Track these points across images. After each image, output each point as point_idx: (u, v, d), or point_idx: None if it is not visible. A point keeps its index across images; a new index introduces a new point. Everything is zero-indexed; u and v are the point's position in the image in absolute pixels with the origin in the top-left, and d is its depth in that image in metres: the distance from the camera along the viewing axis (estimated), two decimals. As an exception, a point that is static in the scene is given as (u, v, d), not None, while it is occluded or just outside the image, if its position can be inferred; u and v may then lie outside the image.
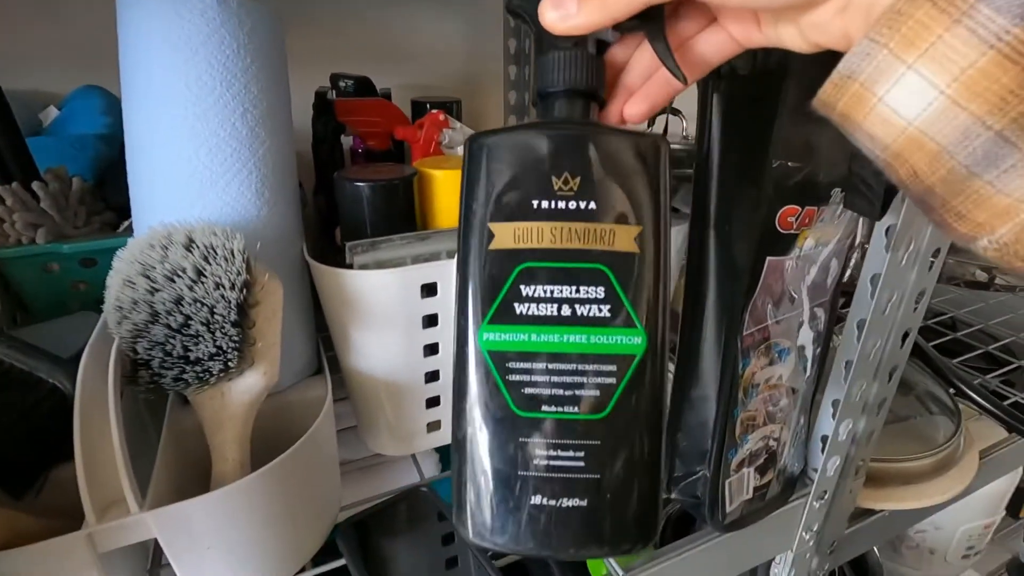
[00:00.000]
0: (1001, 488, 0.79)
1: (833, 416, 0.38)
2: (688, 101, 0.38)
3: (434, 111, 0.50)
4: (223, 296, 0.29)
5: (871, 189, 0.29)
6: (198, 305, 0.29)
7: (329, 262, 0.37)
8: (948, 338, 0.77)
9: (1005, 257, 0.14)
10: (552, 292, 0.21)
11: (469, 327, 0.22)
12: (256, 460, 0.34)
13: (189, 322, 0.29)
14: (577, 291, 0.21)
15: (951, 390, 0.62)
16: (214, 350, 0.29)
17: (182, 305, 0.29)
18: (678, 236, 0.42)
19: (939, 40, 0.13)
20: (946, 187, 0.14)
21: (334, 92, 0.60)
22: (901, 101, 0.14)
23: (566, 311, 0.21)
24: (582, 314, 0.21)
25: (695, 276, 0.34)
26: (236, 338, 0.29)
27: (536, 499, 0.21)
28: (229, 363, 0.29)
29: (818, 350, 0.39)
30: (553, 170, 0.21)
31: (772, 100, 0.28)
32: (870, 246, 0.34)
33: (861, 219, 0.36)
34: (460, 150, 0.54)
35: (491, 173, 0.22)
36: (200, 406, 0.32)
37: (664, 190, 0.22)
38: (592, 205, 0.21)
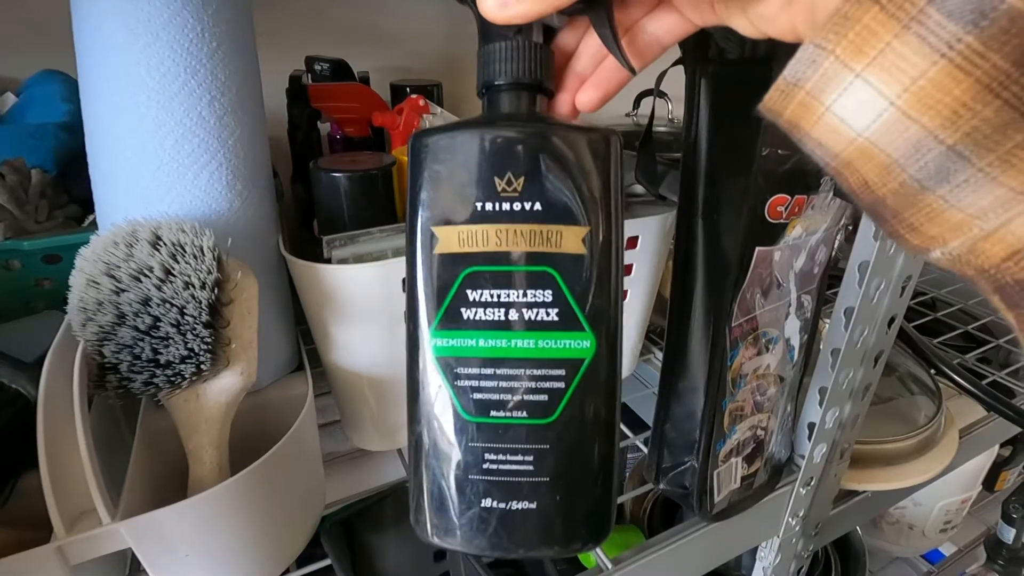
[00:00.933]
0: (978, 464, 0.81)
1: (820, 404, 0.38)
2: (675, 83, 0.37)
3: (413, 96, 0.49)
4: (193, 296, 0.28)
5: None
6: (167, 306, 0.28)
7: (309, 254, 0.35)
8: (929, 318, 0.78)
9: (956, 267, 0.14)
10: (499, 296, 0.21)
11: (419, 332, 0.21)
12: (235, 461, 0.33)
13: (158, 324, 0.28)
14: (524, 295, 0.21)
15: (932, 371, 0.62)
16: (185, 352, 0.28)
17: (150, 306, 0.28)
18: (665, 222, 0.41)
19: (888, 47, 0.12)
20: (898, 199, 0.14)
21: (309, 76, 0.58)
22: (850, 111, 0.13)
23: (513, 315, 0.21)
24: (530, 318, 0.21)
25: (683, 267, 0.34)
26: (208, 339, 0.28)
27: (487, 501, 0.22)
28: (202, 366, 0.28)
29: (805, 337, 0.38)
30: (496, 171, 0.20)
31: (761, 85, 0.27)
32: (859, 234, 0.34)
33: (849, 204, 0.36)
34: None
35: (433, 174, 0.21)
36: (174, 409, 0.31)
37: (615, 188, 0.21)
38: (537, 206, 0.20)
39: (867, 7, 0.13)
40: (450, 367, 0.21)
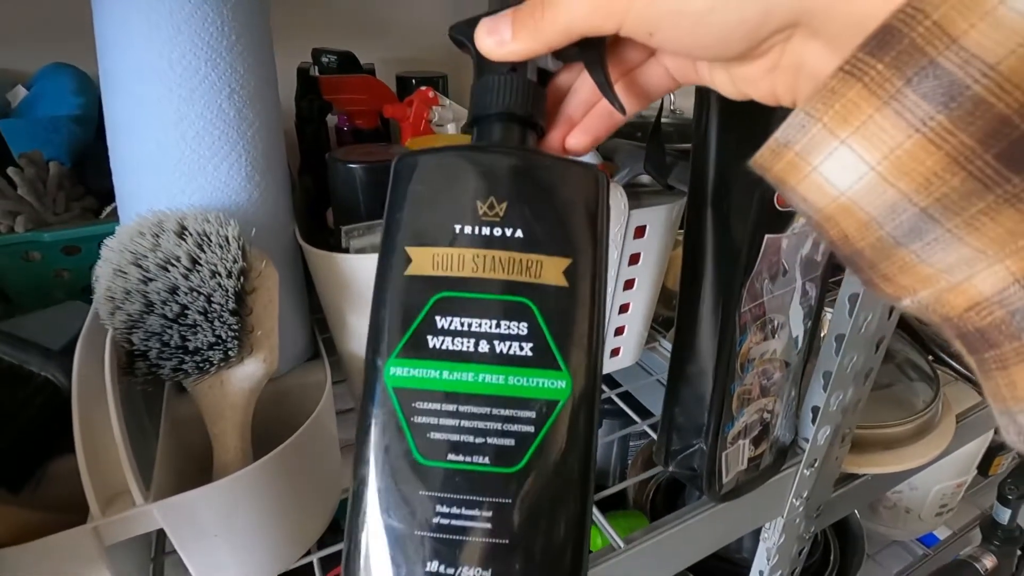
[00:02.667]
0: (973, 449, 0.83)
1: (824, 388, 0.39)
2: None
3: (423, 88, 0.49)
4: (220, 284, 0.28)
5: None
6: (194, 294, 0.28)
7: (320, 244, 0.36)
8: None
9: (924, 314, 0.16)
10: (470, 325, 0.19)
11: (378, 360, 0.20)
12: (256, 447, 0.34)
13: (186, 312, 0.28)
14: (498, 326, 0.19)
15: (929, 357, 0.64)
16: (213, 339, 0.29)
17: (177, 294, 0.28)
18: (672, 212, 0.42)
19: (869, 119, 0.14)
20: (874, 252, 0.15)
21: (316, 68, 0.58)
22: (834, 172, 0.15)
23: (484, 347, 0.19)
24: (502, 351, 0.19)
25: (693, 254, 0.34)
26: (235, 327, 0.29)
27: (432, 565, 0.19)
28: (229, 352, 0.29)
29: (809, 324, 0.39)
30: (478, 193, 0.20)
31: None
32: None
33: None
34: (451, 128, 0.54)
35: (413, 193, 0.20)
36: (199, 395, 0.32)
37: (601, 222, 0.21)
38: (519, 233, 0.20)
39: (851, 84, 0.14)
40: (408, 400, 0.19)
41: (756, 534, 0.53)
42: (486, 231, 0.20)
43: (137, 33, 0.31)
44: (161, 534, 0.37)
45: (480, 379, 0.19)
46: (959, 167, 0.13)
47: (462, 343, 0.19)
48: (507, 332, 0.19)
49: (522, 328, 0.19)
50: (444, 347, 0.19)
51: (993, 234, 0.13)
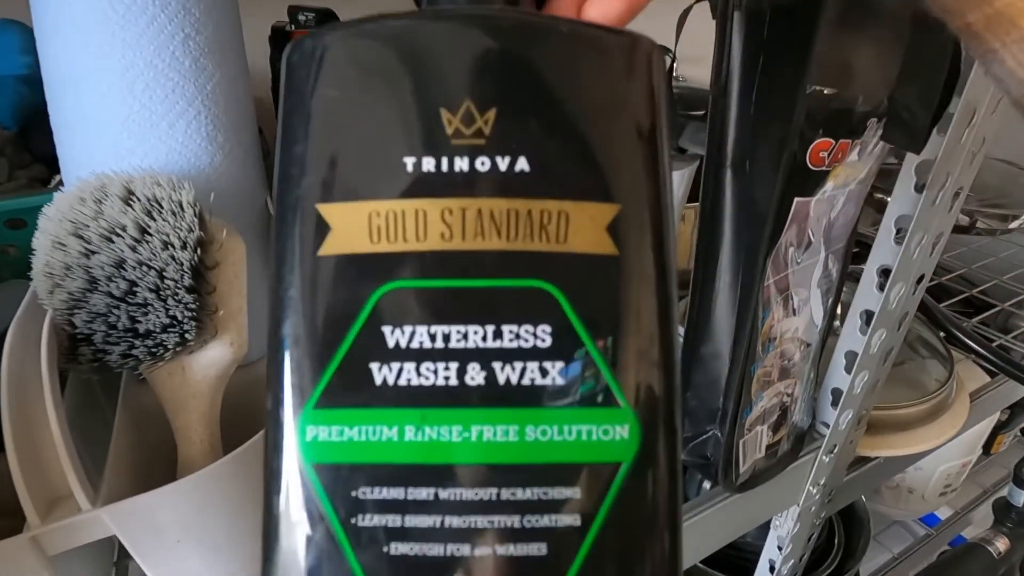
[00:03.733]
0: (979, 428, 0.81)
1: (847, 369, 0.36)
2: (684, 40, 0.34)
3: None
4: (173, 257, 0.25)
5: (916, 118, 0.26)
6: (144, 268, 0.25)
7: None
8: (933, 283, 0.77)
9: None
10: (446, 340, 0.11)
11: (280, 411, 0.12)
12: (227, 440, 0.31)
13: (134, 289, 0.25)
14: (497, 336, 0.11)
15: (942, 334, 0.61)
16: (167, 320, 0.25)
17: (124, 269, 0.25)
18: (682, 178, 0.39)
19: None
20: None
21: (293, 27, 0.54)
22: None
23: (475, 377, 0.11)
24: (507, 382, 0.11)
25: (709, 223, 0.31)
26: (192, 306, 0.25)
27: None
28: (186, 335, 0.25)
29: (830, 301, 0.36)
30: (444, 96, 0.12)
31: (808, 14, 0.24)
32: (896, 188, 0.31)
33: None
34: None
35: (324, 106, 0.12)
36: (158, 384, 0.28)
37: (662, 136, 0.12)
38: (522, 165, 0.12)
39: None
40: (342, 486, 0.11)
41: (765, 523, 0.51)
42: (462, 164, 0.11)
43: (70, -35, 0.26)
44: (124, 536, 0.34)
45: (473, 438, 0.11)
46: None
47: (434, 374, 0.11)
48: (515, 346, 0.11)
49: (542, 335, 0.11)
50: (401, 383, 0.11)
51: None
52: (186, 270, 0.25)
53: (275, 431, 0.12)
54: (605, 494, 0.11)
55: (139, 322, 0.25)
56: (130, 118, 0.28)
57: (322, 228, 0.12)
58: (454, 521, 0.11)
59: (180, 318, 0.25)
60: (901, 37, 0.25)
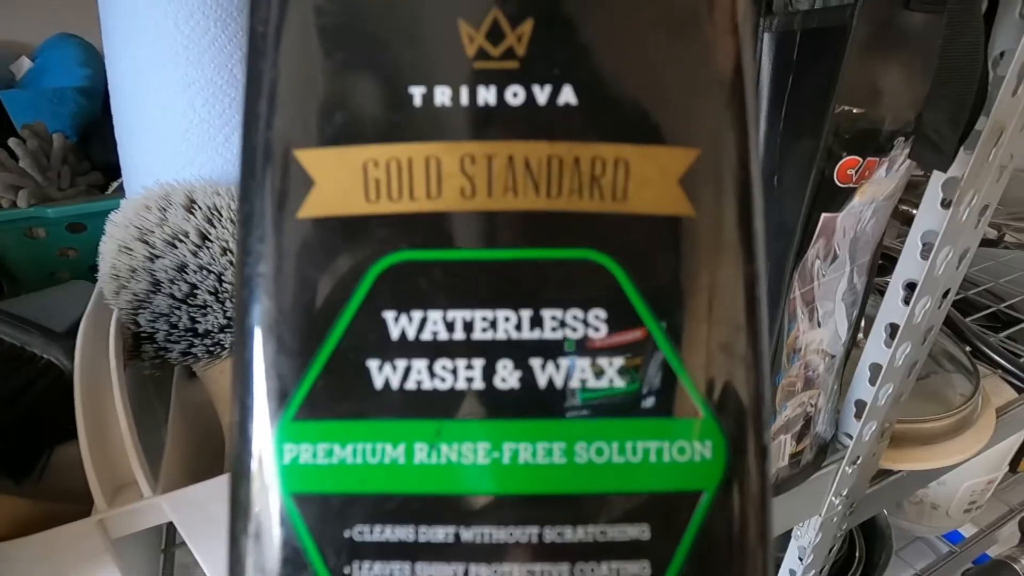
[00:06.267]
0: (1006, 445, 0.80)
1: (872, 381, 0.37)
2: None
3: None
4: (231, 262, 0.26)
5: (943, 138, 0.26)
6: (204, 272, 0.26)
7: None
8: (959, 297, 0.76)
9: None
10: (468, 330, 0.09)
11: (251, 429, 0.09)
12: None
13: (195, 291, 0.26)
14: (535, 324, 0.09)
15: (968, 348, 0.61)
16: (225, 321, 0.27)
17: (186, 273, 0.26)
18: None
19: None
20: None
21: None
22: None
23: (506, 379, 0.09)
24: (550, 385, 0.09)
25: (737, 235, 0.32)
26: (248, 308, 0.27)
27: None
28: (242, 335, 0.27)
29: (855, 314, 0.37)
30: (465, 4, 0.09)
31: (837, 37, 0.25)
32: (923, 203, 0.32)
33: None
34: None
35: (300, 18, 0.09)
36: (211, 381, 0.30)
37: (747, 64, 0.10)
38: (568, 95, 0.09)
39: None
40: (329, 525, 0.09)
41: (785, 532, 0.51)
42: (488, 96, 0.09)
43: (142, -10, 0.28)
44: (171, 526, 0.35)
45: (505, 459, 0.09)
46: None
47: (452, 374, 0.09)
48: (559, 337, 0.09)
49: (595, 323, 0.09)
50: (409, 386, 0.09)
51: None
52: (243, 274, 0.27)
53: (242, 451, 0.09)
54: (683, 532, 0.09)
55: (199, 322, 0.27)
56: (190, 130, 0.30)
57: (302, 182, 0.09)
58: (481, 572, 0.09)
59: (237, 319, 0.27)
60: (929, 58, 0.26)
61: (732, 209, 0.09)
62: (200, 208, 0.27)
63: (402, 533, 0.09)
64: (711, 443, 0.09)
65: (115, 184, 0.42)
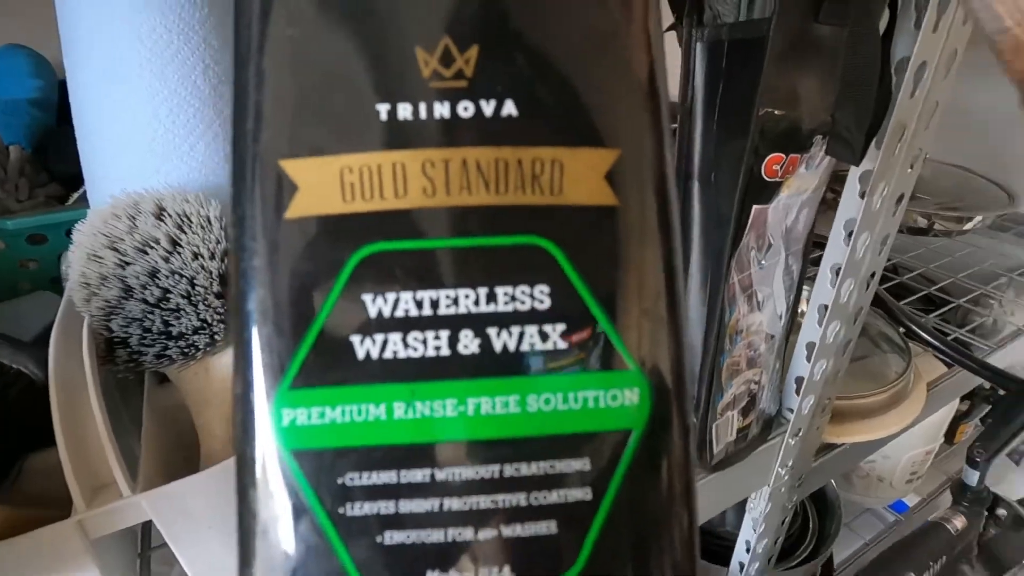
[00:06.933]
0: (940, 418, 0.86)
1: (808, 359, 0.40)
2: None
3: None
4: (203, 266, 0.27)
5: (853, 136, 0.30)
6: (176, 277, 0.27)
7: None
8: (894, 283, 0.82)
9: None
10: (434, 306, 0.11)
11: (250, 394, 0.11)
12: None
13: (168, 296, 0.27)
14: (490, 299, 0.11)
15: (901, 329, 0.66)
16: (198, 324, 0.28)
17: (158, 278, 0.27)
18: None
19: None
20: None
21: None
22: None
23: (468, 346, 0.11)
24: (504, 349, 0.11)
25: (681, 228, 0.35)
26: (221, 310, 0.28)
27: None
28: (216, 336, 0.28)
29: (792, 297, 0.40)
30: (419, 32, 0.11)
31: (758, 47, 0.28)
32: (844, 193, 0.36)
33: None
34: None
35: (280, 46, 0.11)
36: (184, 383, 0.31)
37: (660, 74, 0.12)
38: (510, 108, 0.11)
39: None
40: (325, 474, 0.11)
41: (740, 509, 0.55)
42: (442, 110, 0.11)
43: (104, 6, 0.29)
44: (146, 529, 0.36)
45: (470, 412, 0.11)
46: None
47: (423, 344, 0.11)
48: (511, 310, 0.11)
49: (540, 296, 0.11)
50: (387, 356, 0.10)
51: None
52: (215, 278, 0.28)
53: (246, 417, 0.10)
54: (616, 464, 0.11)
55: (172, 325, 0.28)
56: (155, 140, 0.31)
57: (288, 187, 0.11)
58: (454, 504, 0.10)
59: (210, 321, 0.28)
60: (837, 66, 0.30)
61: (650, 198, 0.11)
62: (170, 215, 0.28)
63: (386, 477, 0.10)
64: (638, 390, 0.11)
65: (75, 195, 0.42)
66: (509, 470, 0.11)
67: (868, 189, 0.32)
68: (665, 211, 0.11)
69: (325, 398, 0.10)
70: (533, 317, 0.11)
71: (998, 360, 0.68)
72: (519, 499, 0.11)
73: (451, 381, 0.11)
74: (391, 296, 0.11)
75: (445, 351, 0.11)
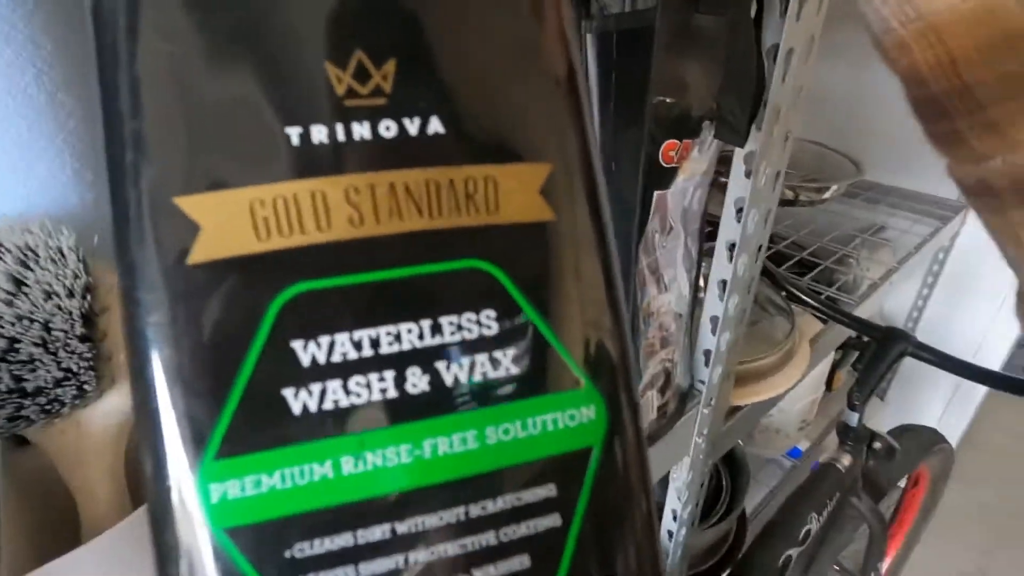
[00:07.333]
0: (821, 369, 0.97)
1: (713, 332, 0.43)
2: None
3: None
4: (59, 307, 0.23)
5: (737, 120, 0.31)
6: (25, 323, 0.23)
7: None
8: (772, 251, 0.89)
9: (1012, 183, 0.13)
10: (375, 346, 0.10)
11: (169, 477, 0.09)
12: (136, 492, 0.29)
13: (16, 345, 0.23)
14: (435, 331, 0.10)
15: (783, 293, 0.72)
16: (60, 374, 0.24)
17: (1, 326, 0.23)
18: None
19: None
20: (998, 88, 0.12)
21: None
22: None
23: (417, 384, 0.10)
24: (456, 383, 0.10)
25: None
26: (88, 355, 0.24)
27: None
28: (85, 386, 0.24)
29: (693, 275, 0.42)
30: (326, 47, 0.09)
31: (646, 37, 0.29)
32: (732, 175, 0.38)
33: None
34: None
35: (155, 64, 0.09)
36: (50, 443, 0.26)
37: (581, 84, 0.11)
38: (436, 125, 0.10)
39: None
40: (269, 549, 0.09)
41: (663, 481, 0.57)
42: (362, 131, 0.09)
43: None
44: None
45: (426, 455, 0.09)
46: None
47: (366, 388, 0.09)
48: (458, 339, 0.10)
49: (487, 322, 0.10)
50: (327, 407, 0.09)
51: None
52: (76, 319, 0.24)
53: (163, 500, 0.09)
54: (581, 484, 0.10)
55: (26, 380, 0.23)
56: (-20, 162, 0.26)
57: (188, 229, 0.09)
58: (420, 556, 0.09)
59: (76, 370, 0.24)
60: (719, 54, 0.31)
61: (584, 208, 0.11)
62: (8, 251, 0.24)
63: (341, 541, 0.09)
64: (594, 406, 0.11)
65: None
66: (475, 510, 0.10)
67: (753, 169, 0.35)
68: (600, 221, 0.11)
69: (260, 464, 0.09)
70: (482, 345, 0.10)
71: (862, 312, 0.77)
72: (488, 539, 0.10)
73: (402, 425, 0.10)
74: (324, 340, 0.09)
75: (392, 393, 0.10)
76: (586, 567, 0.10)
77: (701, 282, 0.46)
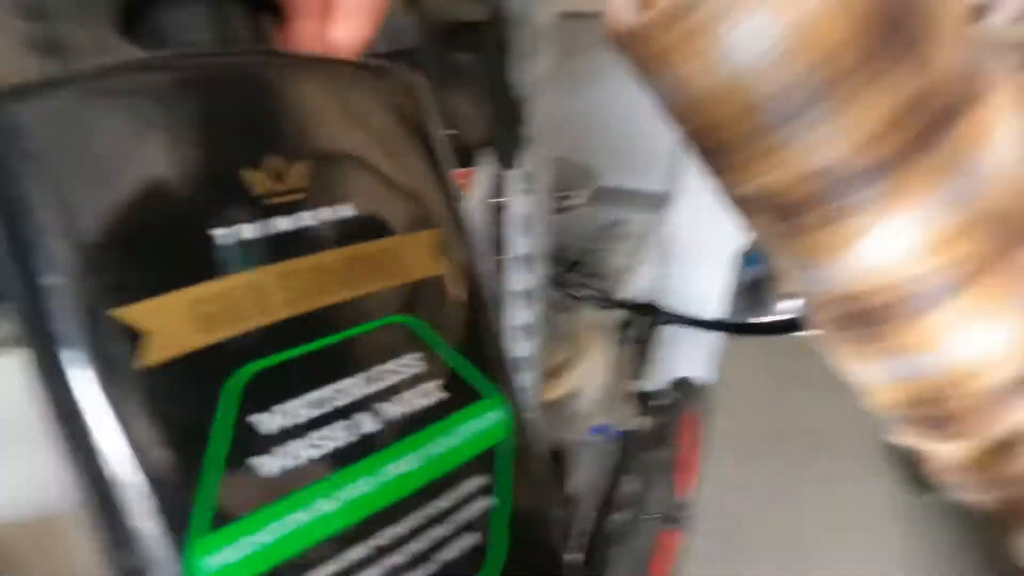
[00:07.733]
0: (601, 350, 1.11)
1: (524, 338, 0.46)
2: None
3: None
4: None
5: (506, 145, 0.34)
6: None
7: None
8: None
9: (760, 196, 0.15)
10: (329, 402, 0.11)
11: (166, 561, 0.10)
12: None
13: None
14: (375, 380, 0.12)
15: (564, 292, 0.81)
16: None
17: None
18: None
19: None
20: (744, 137, 0.14)
21: None
22: (745, 39, 0.13)
23: (367, 424, 0.12)
24: (401, 416, 0.12)
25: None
26: None
27: None
28: None
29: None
30: (246, 154, 0.11)
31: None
32: (512, 195, 0.41)
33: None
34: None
35: (84, 185, 0.10)
36: None
37: (444, 158, 0.14)
38: (347, 210, 0.12)
39: None
40: None
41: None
42: (286, 224, 0.11)
43: None
44: None
45: (388, 479, 0.11)
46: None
47: (329, 440, 0.11)
48: (396, 381, 0.12)
49: (414, 363, 0.12)
50: (299, 462, 0.10)
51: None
52: None
53: None
54: (506, 466, 0.13)
55: None
56: None
57: (130, 336, 0.09)
58: (396, 559, 0.12)
59: None
60: (482, 89, 0.34)
61: (467, 256, 0.14)
62: None
63: (333, 567, 0.11)
64: (501, 406, 0.14)
65: None
66: (431, 510, 0.12)
67: (529, 187, 0.38)
68: (478, 267, 0.14)
69: (250, 526, 0.10)
70: (413, 381, 0.12)
71: (625, 294, 0.90)
72: (446, 529, 0.12)
73: (364, 460, 0.11)
74: (280, 408, 0.11)
75: (352, 437, 0.11)
76: (525, 529, 0.13)
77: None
